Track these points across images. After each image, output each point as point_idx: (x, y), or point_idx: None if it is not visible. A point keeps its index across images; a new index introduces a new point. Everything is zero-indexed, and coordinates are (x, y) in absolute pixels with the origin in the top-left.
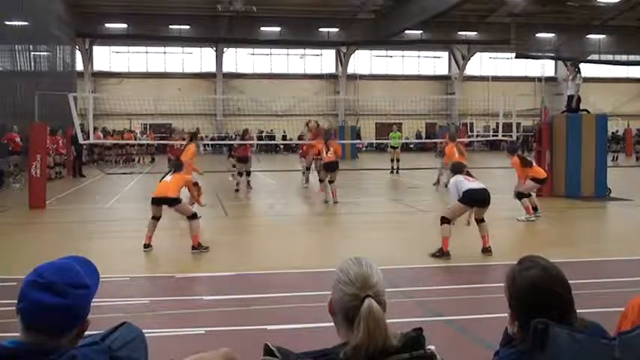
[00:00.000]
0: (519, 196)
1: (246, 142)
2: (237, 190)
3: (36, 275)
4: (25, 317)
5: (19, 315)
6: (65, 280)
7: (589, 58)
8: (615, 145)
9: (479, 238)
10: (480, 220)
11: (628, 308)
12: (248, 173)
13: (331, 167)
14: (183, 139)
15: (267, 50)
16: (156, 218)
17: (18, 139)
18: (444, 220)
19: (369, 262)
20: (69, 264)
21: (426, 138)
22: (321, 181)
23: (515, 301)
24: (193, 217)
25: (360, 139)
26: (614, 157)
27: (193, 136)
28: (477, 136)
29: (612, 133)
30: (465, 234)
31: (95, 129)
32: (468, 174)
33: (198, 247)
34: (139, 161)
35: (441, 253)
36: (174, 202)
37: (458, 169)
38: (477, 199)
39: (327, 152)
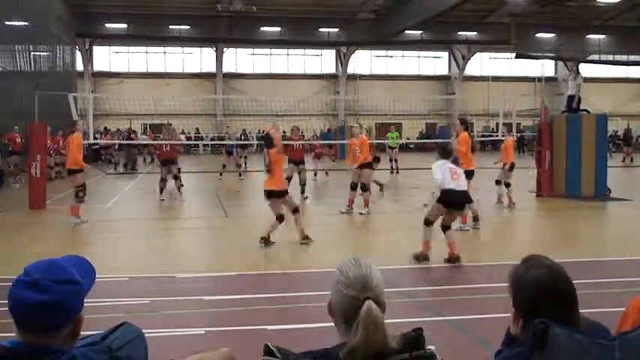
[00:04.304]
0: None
1: (174, 142)
2: (162, 200)
3: (23, 274)
4: (13, 316)
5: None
6: (49, 277)
7: (589, 58)
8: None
9: (477, 238)
10: (446, 228)
11: (629, 308)
12: (176, 177)
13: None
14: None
15: (267, 50)
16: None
17: (18, 139)
18: (427, 223)
19: (368, 262)
20: (55, 261)
21: (426, 138)
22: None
23: (519, 301)
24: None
25: None
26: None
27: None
28: (484, 136)
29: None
30: (463, 234)
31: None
32: (456, 162)
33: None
34: (144, 161)
35: (420, 257)
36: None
37: (447, 153)
38: (453, 202)
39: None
